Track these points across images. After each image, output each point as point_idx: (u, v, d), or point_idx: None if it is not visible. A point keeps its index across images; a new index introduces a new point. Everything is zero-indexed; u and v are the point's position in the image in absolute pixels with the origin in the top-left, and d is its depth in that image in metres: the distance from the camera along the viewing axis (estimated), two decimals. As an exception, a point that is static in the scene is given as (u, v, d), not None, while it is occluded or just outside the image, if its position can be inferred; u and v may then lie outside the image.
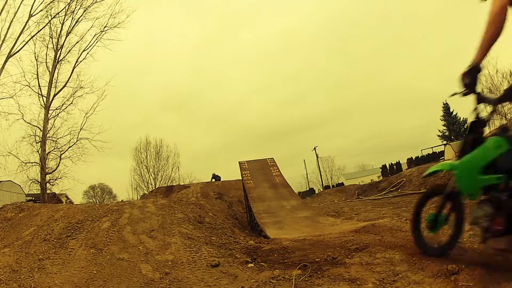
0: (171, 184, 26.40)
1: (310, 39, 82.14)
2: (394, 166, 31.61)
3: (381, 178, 27.71)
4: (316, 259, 4.18)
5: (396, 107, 69.66)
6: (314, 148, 43.23)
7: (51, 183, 13.76)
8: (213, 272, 3.99)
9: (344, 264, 3.90)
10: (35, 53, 13.66)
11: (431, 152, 28.54)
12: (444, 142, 31.39)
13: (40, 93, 13.66)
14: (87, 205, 7.60)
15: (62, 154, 13.84)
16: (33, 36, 13.46)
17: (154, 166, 31.83)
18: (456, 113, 36.09)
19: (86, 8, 14.33)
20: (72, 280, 3.90)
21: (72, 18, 14.25)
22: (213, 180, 24.67)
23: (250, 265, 4.24)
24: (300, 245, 5.16)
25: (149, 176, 31.48)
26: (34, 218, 5.90)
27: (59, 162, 13.79)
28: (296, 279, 3.58)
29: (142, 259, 4.46)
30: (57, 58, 13.97)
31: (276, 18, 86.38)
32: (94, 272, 4.11)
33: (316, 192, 35.69)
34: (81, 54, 14.42)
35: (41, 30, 13.63)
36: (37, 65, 13.69)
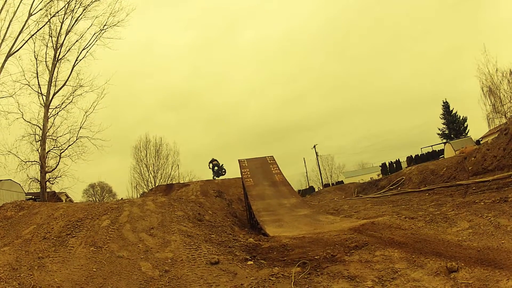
0: (170, 182, 26.33)
1: (310, 40, 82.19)
2: (394, 164, 31.55)
3: (380, 176, 27.70)
4: (316, 257, 4.20)
5: (395, 107, 69.57)
6: (314, 146, 43.08)
7: (51, 182, 13.75)
8: (213, 269, 4.01)
9: (343, 261, 3.91)
10: (34, 52, 13.61)
11: (431, 151, 28.51)
12: (444, 141, 31.33)
13: (39, 92, 13.61)
14: (87, 203, 7.60)
15: (62, 152, 13.81)
16: (33, 35, 13.39)
17: (153, 164, 31.73)
18: (456, 112, 35.96)
19: (86, 7, 14.24)
20: (72, 278, 3.91)
21: (72, 16, 14.17)
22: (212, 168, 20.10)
23: (249, 262, 4.26)
24: (300, 242, 5.17)
25: (148, 174, 31.42)
26: (34, 216, 5.90)
27: (59, 161, 13.78)
28: (295, 277, 3.59)
29: (142, 256, 4.47)
30: (56, 56, 13.92)
31: (276, 19, 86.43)
32: (94, 269, 4.13)
33: (316, 190, 35.69)
34: (80, 52, 14.34)
35: (40, 29, 13.56)
36: (36, 64, 13.65)
